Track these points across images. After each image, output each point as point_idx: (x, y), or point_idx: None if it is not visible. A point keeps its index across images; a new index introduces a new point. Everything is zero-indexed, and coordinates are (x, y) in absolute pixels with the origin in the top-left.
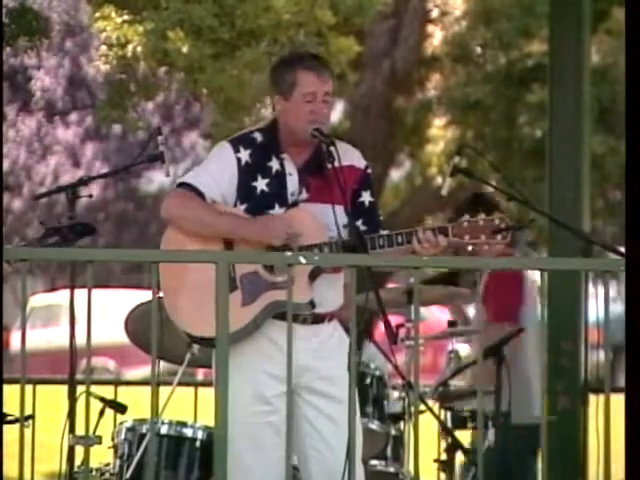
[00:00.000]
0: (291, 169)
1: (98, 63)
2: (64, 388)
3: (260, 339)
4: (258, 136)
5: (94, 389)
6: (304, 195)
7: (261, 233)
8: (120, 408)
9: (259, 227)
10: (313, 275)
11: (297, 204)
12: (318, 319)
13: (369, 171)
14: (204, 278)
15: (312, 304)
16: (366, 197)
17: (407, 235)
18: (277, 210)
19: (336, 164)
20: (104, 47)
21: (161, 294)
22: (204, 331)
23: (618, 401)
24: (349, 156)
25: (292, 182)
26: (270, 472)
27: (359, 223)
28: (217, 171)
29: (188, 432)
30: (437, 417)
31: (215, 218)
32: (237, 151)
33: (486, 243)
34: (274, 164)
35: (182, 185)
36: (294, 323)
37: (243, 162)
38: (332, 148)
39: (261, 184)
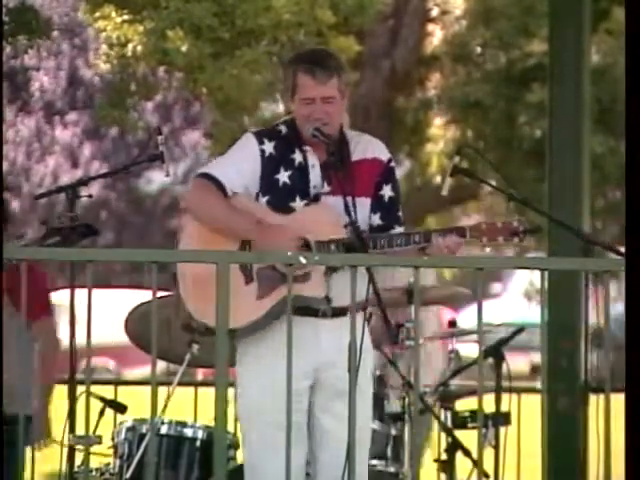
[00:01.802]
0: (314, 161)
1: (98, 62)
2: (64, 388)
3: (278, 335)
4: (283, 128)
5: (94, 389)
6: (326, 188)
7: (269, 244)
8: (120, 408)
9: (268, 237)
10: (329, 270)
11: (319, 197)
12: (341, 312)
13: (392, 164)
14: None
15: (328, 300)
16: (387, 191)
17: (425, 235)
18: (298, 203)
19: (353, 158)
20: (104, 47)
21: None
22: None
23: (618, 401)
24: (371, 149)
25: (315, 175)
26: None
27: (376, 217)
28: (240, 161)
29: (188, 432)
30: (437, 417)
31: (230, 219)
32: (261, 143)
33: (504, 245)
34: (297, 156)
35: (204, 175)
36: (314, 318)
37: (267, 154)
38: (336, 147)
39: (283, 176)
